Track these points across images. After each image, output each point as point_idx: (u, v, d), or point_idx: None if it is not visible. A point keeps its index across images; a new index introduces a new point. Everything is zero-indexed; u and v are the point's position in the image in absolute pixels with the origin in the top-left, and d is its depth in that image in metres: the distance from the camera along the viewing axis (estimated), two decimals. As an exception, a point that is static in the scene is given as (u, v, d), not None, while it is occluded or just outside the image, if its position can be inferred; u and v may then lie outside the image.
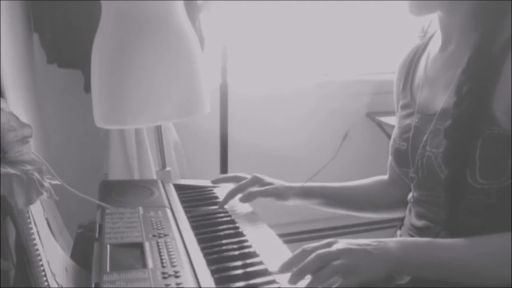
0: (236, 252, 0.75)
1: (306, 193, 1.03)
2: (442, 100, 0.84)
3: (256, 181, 1.03)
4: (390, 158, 1.05)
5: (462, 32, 0.83)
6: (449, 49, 0.86)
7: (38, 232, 0.62)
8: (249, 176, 1.04)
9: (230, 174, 1.11)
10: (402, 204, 1.01)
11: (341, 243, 0.70)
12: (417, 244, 0.73)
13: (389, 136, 1.06)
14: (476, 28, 0.79)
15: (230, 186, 1.05)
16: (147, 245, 0.73)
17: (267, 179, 1.04)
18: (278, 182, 1.04)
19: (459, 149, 0.77)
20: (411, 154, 0.88)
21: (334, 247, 0.69)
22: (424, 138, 0.85)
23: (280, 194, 1.01)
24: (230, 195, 1.00)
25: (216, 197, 1.04)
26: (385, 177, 1.08)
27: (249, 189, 1.00)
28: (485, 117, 0.75)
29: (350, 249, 0.68)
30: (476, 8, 0.80)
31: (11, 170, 0.56)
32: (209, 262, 0.71)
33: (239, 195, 1.00)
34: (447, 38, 0.87)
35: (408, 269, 0.71)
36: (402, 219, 0.99)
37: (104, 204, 0.87)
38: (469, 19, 0.81)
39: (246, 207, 1.00)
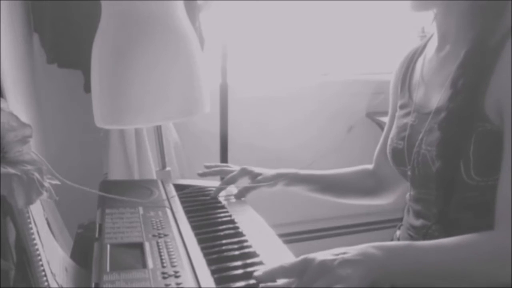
0: (236, 252, 0.75)
1: (292, 180, 1.07)
2: (437, 99, 0.85)
3: (245, 172, 1.07)
4: (376, 152, 1.10)
5: (458, 32, 0.84)
6: (445, 50, 0.88)
7: (38, 232, 0.62)
8: (237, 167, 1.08)
9: (216, 166, 1.14)
10: (381, 193, 1.09)
11: (316, 261, 0.65)
12: (401, 248, 0.72)
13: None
14: (473, 26, 0.80)
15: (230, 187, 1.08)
16: (147, 245, 0.73)
17: (256, 169, 1.08)
18: (267, 171, 1.08)
19: (452, 142, 0.77)
20: (407, 153, 0.89)
21: (310, 271, 0.64)
22: (420, 137, 0.86)
23: (269, 185, 1.05)
24: (221, 187, 1.05)
25: (216, 197, 1.04)
26: (370, 166, 1.12)
27: (241, 187, 1.05)
28: (477, 114, 0.76)
29: (325, 264, 0.64)
30: (473, 7, 0.80)
31: (11, 170, 0.56)
32: (209, 262, 0.71)
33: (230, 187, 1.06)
34: (443, 39, 0.88)
35: (393, 274, 0.68)
36: (401, 219, 1.00)
37: (109, 195, 0.87)
38: (465, 19, 0.82)
39: (246, 207, 1.00)
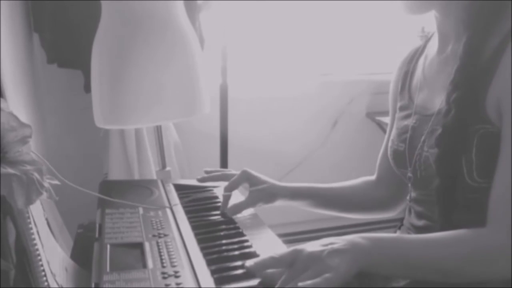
0: (236, 252, 0.75)
1: (293, 195, 1.01)
2: (439, 101, 0.85)
3: (246, 177, 0.99)
4: (379, 158, 1.07)
5: (458, 34, 0.83)
6: (446, 51, 0.87)
7: (38, 232, 0.62)
8: (237, 172, 1.00)
9: (217, 171, 1.06)
10: (387, 204, 1.04)
11: (305, 252, 0.66)
12: (388, 239, 0.72)
13: (389, 136, 1.06)
14: (472, 28, 0.79)
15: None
16: (147, 245, 0.73)
17: (260, 177, 1.00)
18: (270, 181, 1.00)
19: (454, 145, 0.77)
20: (409, 155, 0.89)
21: (299, 261, 0.66)
22: (422, 139, 0.85)
23: (266, 199, 0.98)
24: (226, 197, 0.97)
25: (216, 197, 1.04)
26: (372, 177, 1.08)
27: (234, 203, 0.95)
28: (479, 116, 0.75)
29: (314, 255, 0.65)
30: (471, 8, 0.80)
31: (11, 170, 0.56)
32: (209, 262, 0.71)
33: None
34: (444, 41, 0.87)
35: (378, 263, 0.69)
36: (401, 219, 0.99)
37: (108, 198, 0.87)
38: (464, 20, 0.81)
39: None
